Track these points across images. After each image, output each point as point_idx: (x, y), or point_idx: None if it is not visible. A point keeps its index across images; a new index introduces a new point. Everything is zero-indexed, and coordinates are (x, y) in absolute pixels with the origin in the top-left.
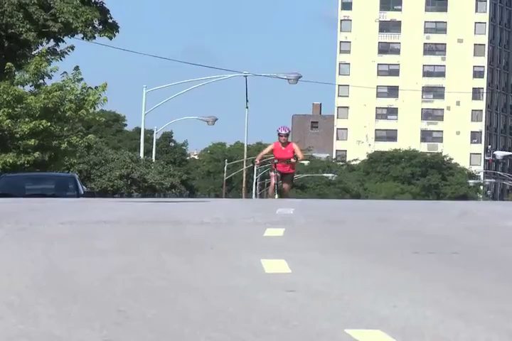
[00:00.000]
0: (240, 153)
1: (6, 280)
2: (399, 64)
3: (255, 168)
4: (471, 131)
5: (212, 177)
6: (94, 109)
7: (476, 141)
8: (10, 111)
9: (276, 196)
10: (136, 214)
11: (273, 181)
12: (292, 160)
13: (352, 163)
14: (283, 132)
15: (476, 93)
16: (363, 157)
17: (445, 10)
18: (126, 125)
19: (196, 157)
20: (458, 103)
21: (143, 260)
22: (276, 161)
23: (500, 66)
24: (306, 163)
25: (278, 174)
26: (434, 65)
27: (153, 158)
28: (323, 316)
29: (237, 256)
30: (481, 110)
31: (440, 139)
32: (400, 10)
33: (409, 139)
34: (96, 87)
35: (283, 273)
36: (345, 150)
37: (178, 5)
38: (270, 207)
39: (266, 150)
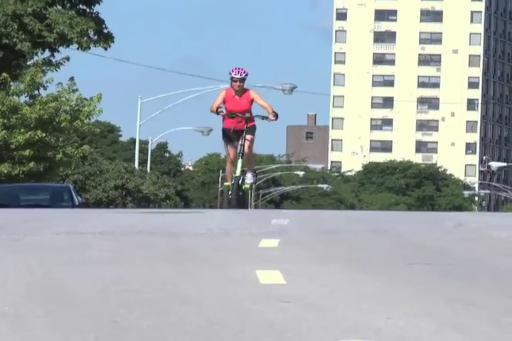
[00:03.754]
0: None
1: (0, 290)
2: (394, 75)
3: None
4: (466, 142)
5: (207, 188)
6: (90, 119)
7: (470, 152)
8: (5, 121)
9: (239, 162)
10: (130, 225)
11: (232, 154)
12: (271, 117)
13: (347, 173)
14: (237, 76)
15: (470, 104)
16: (358, 168)
17: (440, 21)
18: (121, 135)
19: (191, 168)
20: (453, 114)
21: (137, 271)
22: (232, 114)
23: (495, 77)
24: (301, 173)
25: (232, 134)
26: (429, 76)
27: (148, 168)
28: (317, 327)
29: (232, 267)
30: (476, 121)
31: (435, 150)
32: (395, 20)
33: (404, 150)
34: (91, 98)
35: (278, 284)
36: (340, 161)
37: (174, 16)
38: (265, 217)
39: (218, 100)
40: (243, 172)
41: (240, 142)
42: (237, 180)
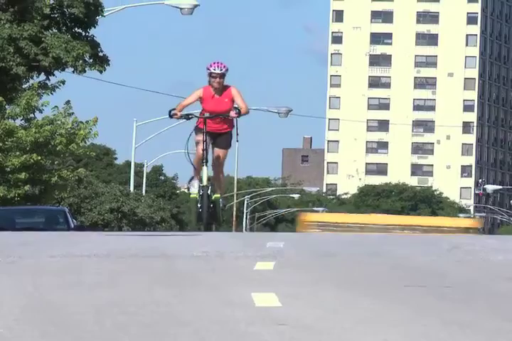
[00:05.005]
0: (230, 187)
1: None
2: (389, 98)
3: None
4: (462, 165)
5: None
6: (85, 143)
7: (466, 174)
8: (0, 144)
9: (204, 169)
10: (126, 248)
11: (201, 146)
12: (232, 114)
13: (342, 196)
14: (217, 70)
15: (466, 127)
16: (354, 191)
17: (435, 44)
18: (116, 158)
19: (186, 191)
20: (448, 137)
21: (133, 293)
22: (206, 115)
23: (491, 100)
24: (296, 196)
25: (206, 136)
26: (425, 99)
27: (144, 191)
28: None
29: (228, 290)
30: (472, 144)
31: (430, 173)
32: (391, 44)
33: (399, 173)
34: (87, 121)
35: (273, 306)
36: (336, 184)
37: (169, 39)
38: (260, 240)
39: (190, 98)
40: (211, 182)
41: (204, 146)
42: (206, 191)
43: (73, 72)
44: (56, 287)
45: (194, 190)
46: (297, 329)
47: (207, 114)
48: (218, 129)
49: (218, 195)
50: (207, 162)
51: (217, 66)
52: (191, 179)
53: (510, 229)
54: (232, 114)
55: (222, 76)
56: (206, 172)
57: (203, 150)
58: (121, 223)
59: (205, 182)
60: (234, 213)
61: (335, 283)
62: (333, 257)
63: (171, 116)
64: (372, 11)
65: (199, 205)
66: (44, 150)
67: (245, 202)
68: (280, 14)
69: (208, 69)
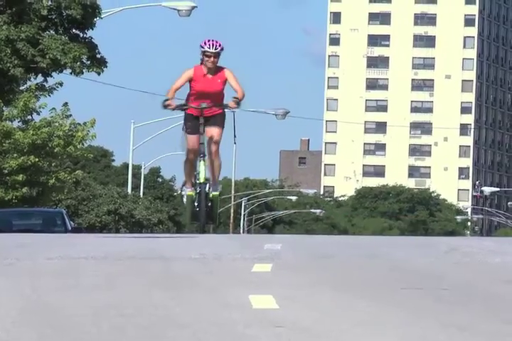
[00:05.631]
0: (228, 189)
1: None
2: (387, 100)
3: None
4: (459, 167)
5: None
6: (83, 145)
7: (463, 176)
8: None
9: (202, 164)
10: (123, 250)
11: (194, 139)
12: (232, 105)
13: (340, 198)
14: (211, 49)
15: (463, 129)
16: (351, 193)
17: (433, 46)
18: (113, 160)
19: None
20: (446, 139)
21: (130, 295)
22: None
23: (488, 102)
24: (293, 198)
25: (202, 125)
26: (422, 101)
27: (141, 193)
28: None
29: (225, 292)
30: (469, 146)
31: (428, 175)
32: (388, 46)
33: (396, 175)
34: (84, 123)
35: (271, 308)
36: (333, 186)
37: (166, 42)
38: (258, 242)
39: (181, 80)
40: (208, 179)
41: (201, 140)
42: (204, 188)
43: (71, 73)
44: (54, 289)
45: (187, 191)
46: (294, 332)
47: (204, 104)
48: (210, 113)
49: (217, 193)
50: (204, 156)
51: (212, 44)
52: (184, 184)
53: (508, 231)
54: (232, 104)
55: (217, 55)
56: (204, 167)
57: (201, 143)
58: (118, 225)
59: (202, 179)
60: (231, 215)
61: (332, 286)
62: (330, 259)
63: (164, 107)
64: (369, 13)
65: (195, 204)
66: (42, 152)
67: (243, 204)
68: (278, 16)
69: (202, 47)
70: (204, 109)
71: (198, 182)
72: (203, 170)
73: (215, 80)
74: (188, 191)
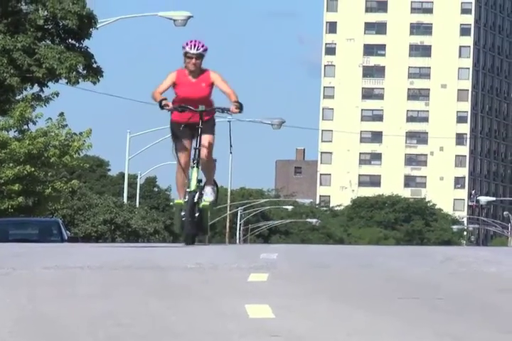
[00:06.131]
0: (224, 198)
1: None
2: (382, 109)
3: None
4: (455, 177)
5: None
6: (79, 154)
7: (459, 186)
8: None
9: (194, 172)
10: (119, 260)
11: (184, 156)
12: (233, 109)
13: (335, 208)
14: (193, 50)
15: (459, 138)
16: (347, 202)
17: (429, 55)
18: (109, 170)
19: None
20: (441, 148)
21: (126, 305)
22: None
23: (484, 111)
24: (289, 208)
25: (184, 130)
26: (418, 110)
27: (137, 203)
28: None
29: (221, 301)
30: (465, 155)
31: (424, 184)
32: (384, 55)
33: (392, 185)
34: (80, 133)
35: (267, 318)
36: (329, 196)
37: (162, 51)
38: (254, 252)
39: (165, 83)
40: (200, 186)
41: (194, 145)
42: (192, 197)
43: (67, 83)
44: (50, 298)
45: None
46: None
47: (202, 107)
48: (195, 120)
49: (207, 203)
50: (198, 163)
51: (194, 45)
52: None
53: (504, 240)
54: (233, 109)
55: (200, 57)
56: (196, 175)
57: (188, 148)
58: (114, 235)
59: (192, 187)
60: (227, 224)
61: (328, 295)
62: (326, 269)
63: (161, 107)
64: (365, 23)
65: (183, 213)
66: (37, 161)
67: (239, 214)
68: (273, 25)
69: (184, 48)
70: (201, 113)
71: (187, 190)
72: (194, 177)
73: (198, 85)
74: (177, 199)
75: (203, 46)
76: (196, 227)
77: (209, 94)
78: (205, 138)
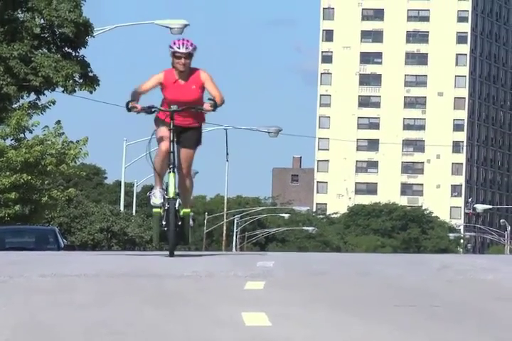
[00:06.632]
0: (220, 206)
1: None
2: (379, 117)
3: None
4: (452, 185)
5: (193, 231)
6: (75, 162)
7: (456, 194)
8: None
9: (171, 177)
10: (115, 268)
11: (166, 144)
12: (207, 107)
13: (332, 216)
14: (181, 49)
15: (456, 146)
16: (343, 210)
17: (425, 63)
18: (106, 178)
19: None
20: (438, 156)
21: (123, 313)
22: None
23: (481, 119)
24: (286, 216)
25: (173, 135)
26: (415, 118)
27: (134, 211)
28: None
29: (218, 309)
30: (462, 163)
31: (420, 192)
32: (380, 63)
33: (389, 192)
34: (77, 141)
35: (263, 326)
36: (326, 204)
37: (159, 59)
38: (250, 260)
39: (149, 83)
40: (178, 194)
41: (171, 148)
42: (173, 204)
43: (63, 92)
44: (46, 307)
45: (156, 200)
46: None
47: (174, 107)
48: (185, 124)
49: (188, 210)
50: (174, 167)
51: (183, 44)
52: (152, 188)
53: (500, 248)
54: (207, 106)
55: (189, 56)
56: (174, 181)
57: (169, 151)
58: (111, 243)
59: (171, 194)
60: (224, 232)
61: (325, 303)
62: (323, 277)
63: (129, 110)
64: (362, 31)
65: (163, 223)
66: (34, 170)
67: (235, 222)
68: (270, 33)
69: (171, 47)
70: (175, 114)
71: (166, 197)
72: (172, 183)
73: (188, 87)
74: (155, 209)
75: (192, 45)
76: (178, 236)
77: (200, 96)
78: (184, 154)
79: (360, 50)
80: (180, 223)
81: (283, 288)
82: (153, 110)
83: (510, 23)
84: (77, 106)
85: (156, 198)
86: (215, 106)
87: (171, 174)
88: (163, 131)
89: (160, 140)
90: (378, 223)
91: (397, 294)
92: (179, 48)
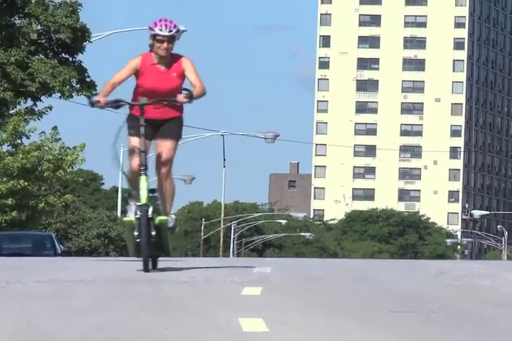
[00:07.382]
0: (218, 212)
1: None
2: (376, 123)
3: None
4: (449, 190)
5: (190, 237)
6: (72, 168)
7: (453, 200)
8: None
9: (143, 180)
10: (113, 273)
11: (137, 144)
12: (181, 99)
13: (329, 222)
14: (163, 32)
15: (453, 152)
16: (341, 216)
17: (422, 69)
18: (103, 184)
19: (173, 216)
20: (435, 162)
21: (120, 318)
22: (142, 102)
23: (478, 125)
24: (283, 222)
25: (143, 127)
26: (412, 124)
27: None
28: None
29: (215, 315)
30: (459, 169)
31: (417, 198)
32: (378, 69)
33: (386, 198)
34: (74, 147)
35: (261, 331)
36: (323, 210)
37: None
38: (247, 265)
39: (123, 72)
40: (153, 198)
41: (142, 147)
42: (145, 212)
43: (60, 97)
44: (43, 312)
45: (131, 213)
46: None
47: (143, 100)
48: (161, 116)
49: (164, 218)
50: (146, 169)
51: (166, 25)
52: (129, 195)
53: (497, 254)
54: (181, 98)
55: (172, 39)
56: (145, 184)
57: (140, 151)
58: (108, 248)
59: (143, 200)
60: (221, 238)
61: (322, 308)
62: (320, 282)
63: (92, 104)
64: (359, 36)
65: (136, 233)
66: (31, 176)
67: (232, 228)
68: (267, 39)
69: (152, 29)
70: (145, 107)
71: (137, 204)
72: (144, 187)
73: (169, 74)
74: (126, 218)
75: (175, 26)
76: (155, 248)
77: (179, 85)
78: (163, 147)
79: (357, 55)
80: (155, 233)
81: (280, 294)
82: (120, 104)
83: (507, 28)
84: (74, 111)
85: (131, 211)
86: (190, 97)
87: (143, 177)
88: (135, 141)
89: (131, 152)
90: (375, 229)
91: (394, 299)
92: (161, 30)
